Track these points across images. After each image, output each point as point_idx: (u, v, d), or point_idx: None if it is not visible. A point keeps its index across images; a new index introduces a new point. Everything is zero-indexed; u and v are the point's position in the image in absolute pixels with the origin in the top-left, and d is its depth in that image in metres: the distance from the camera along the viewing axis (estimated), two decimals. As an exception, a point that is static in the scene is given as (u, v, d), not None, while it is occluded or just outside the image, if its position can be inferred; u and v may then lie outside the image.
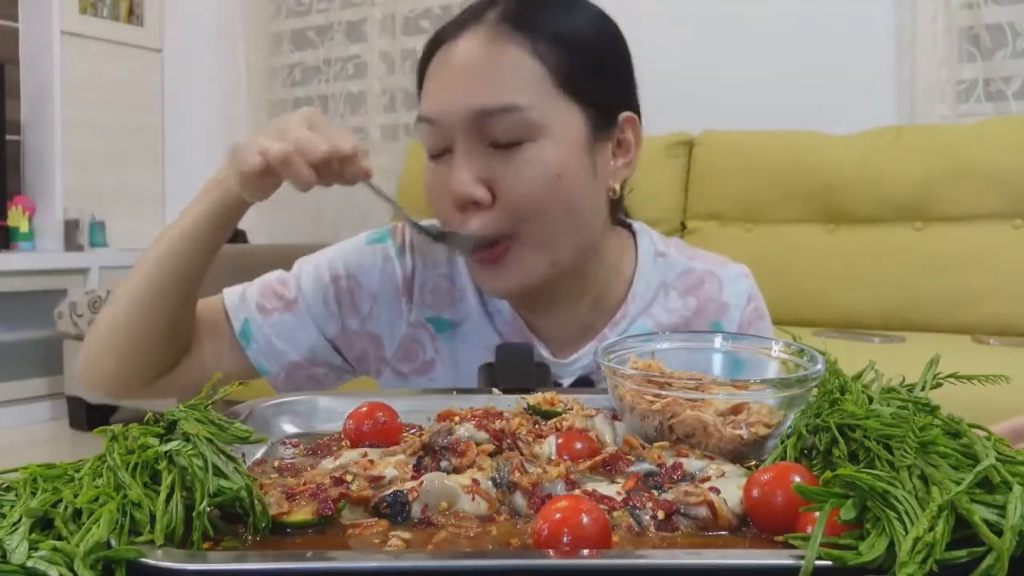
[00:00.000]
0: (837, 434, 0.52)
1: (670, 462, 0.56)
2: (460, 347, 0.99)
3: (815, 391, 0.60)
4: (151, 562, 0.41)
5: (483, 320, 0.99)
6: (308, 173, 0.81)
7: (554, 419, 0.67)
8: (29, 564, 0.41)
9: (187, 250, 0.91)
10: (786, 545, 0.43)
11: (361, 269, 1.01)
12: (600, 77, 0.91)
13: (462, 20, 0.91)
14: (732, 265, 1.05)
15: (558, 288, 0.96)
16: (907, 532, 0.40)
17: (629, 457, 0.57)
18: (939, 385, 0.59)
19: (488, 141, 0.86)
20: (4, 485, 0.51)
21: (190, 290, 0.93)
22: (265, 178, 0.83)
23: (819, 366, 0.62)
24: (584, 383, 0.95)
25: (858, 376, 0.60)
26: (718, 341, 0.74)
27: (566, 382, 0.97)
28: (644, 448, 0.60)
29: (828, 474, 0.46)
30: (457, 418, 0.63)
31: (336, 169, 0.83)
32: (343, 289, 1.00)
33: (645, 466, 0.56)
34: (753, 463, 0.59)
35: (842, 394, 0.57)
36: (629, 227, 1.04)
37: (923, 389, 0.58)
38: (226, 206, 0.89)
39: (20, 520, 0.45)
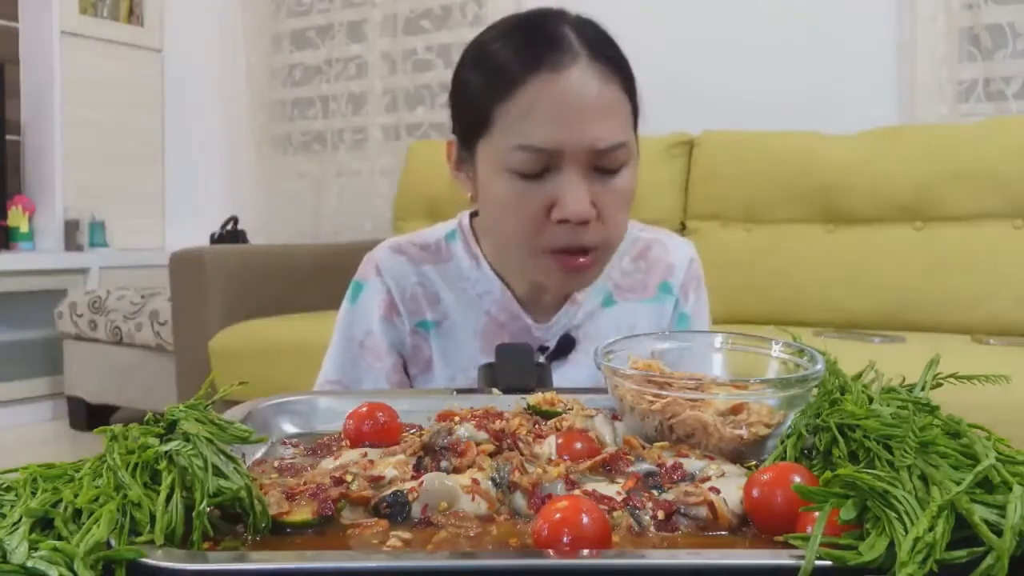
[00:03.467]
0: (837, 434, 0.52)
1: (670, 462, 0.56)
2: (447, 342, 1.10)
3: (815, 391, 0.60)
4: (151, 562, 0.41)
5: (467, 309, 1.10)
6: None
7: (554, 419, 0.67)
8: (29, 564, 0.41)
9: None
10: (786, 545, 0.43)
11: (360, 322, 1.11)
12: (637, 105, 1.01)
13: (548, 49, 0.94)
14: (677, 236, 1.20)
15: None
16: (907, 532, 0.40)
17: (629, 457, 0.57)
18: (939, 385, 0.59)
19: (592, 166, 0.95)
20: (4, 485, 0.51)
21: None
22: None
23: (819, 366, 0.62)
24: (567, 341, 1.08)
25: (858, 376, 0.60)
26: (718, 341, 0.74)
27: (551, 343, 1.08)
28: (644, 448, 0.60)
29: (828, 474, 0.46)
30: (457, 418, 0.63)
31: None
32: (369, 345, 1.11)
33: (645, 466, 0.56)
34: (753, 463, 0.59)
35: (842, 394, 0.57)
36: None
37: (923, 389, 0.58)
38: None
39: (20, 520, 0.45)
